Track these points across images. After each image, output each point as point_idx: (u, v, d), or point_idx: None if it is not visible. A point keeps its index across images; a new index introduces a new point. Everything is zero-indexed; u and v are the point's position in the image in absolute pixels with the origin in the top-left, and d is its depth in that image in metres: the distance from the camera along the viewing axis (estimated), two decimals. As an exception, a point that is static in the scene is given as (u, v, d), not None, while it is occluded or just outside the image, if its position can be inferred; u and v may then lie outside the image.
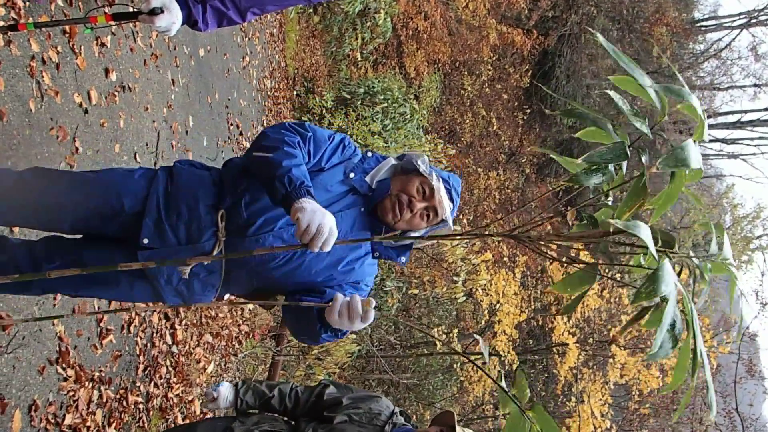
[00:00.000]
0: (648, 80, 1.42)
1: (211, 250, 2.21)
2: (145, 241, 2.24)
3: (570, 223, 1.66)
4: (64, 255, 2.35)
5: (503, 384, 1.61)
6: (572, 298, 1.71)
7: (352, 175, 2.35)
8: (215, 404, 3.07)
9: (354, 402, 2.91)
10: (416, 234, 2.40)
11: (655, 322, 1.38)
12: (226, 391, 3.06)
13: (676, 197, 1.44)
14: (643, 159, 1.40)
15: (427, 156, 2.44)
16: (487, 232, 1.63)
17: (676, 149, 1.36)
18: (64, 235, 2.47)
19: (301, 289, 2.37)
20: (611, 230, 1.49)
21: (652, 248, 1.35)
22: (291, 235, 2.25)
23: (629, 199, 1.41)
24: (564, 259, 1.66)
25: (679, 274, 1.46)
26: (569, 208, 1.67)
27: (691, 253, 1.49)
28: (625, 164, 1.52)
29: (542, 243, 1.59)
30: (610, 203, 1.62)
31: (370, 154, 2.45)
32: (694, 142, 1.41)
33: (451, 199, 2.40)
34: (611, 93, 1.42)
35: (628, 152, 1.43)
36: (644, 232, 1.36)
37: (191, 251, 2.23)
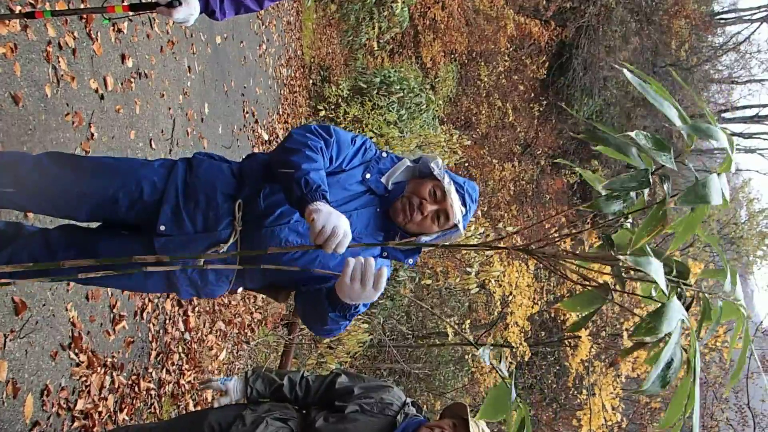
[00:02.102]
0: (676, 116, 1.37)
1: (227, 238, 2.22)
2: (162, 228, 2.25)
3: (586, 243, 1.63)
4: (80, 244, 2.36)
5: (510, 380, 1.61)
6: (582, 315, 1.69)
7: (368, 176, 2.36)
8: (227, 398, 3.07)
9: (365, 391, 2.90)
10: (428, 240, 2.38)
11: (656, 357, 1.35)
12: (235, 382, 3.06)
13: (696, 228, 1.40)
14: (665, 187, 1.36)
15: (441, 158, 2.42)
16: (502, 245, 1.60)
17: (698, 184, 1.32)
18: (80, 224, 2.47)
19: (314, 283, 2.38)
20: (626, 254, 1.46)
21: (663, 285, 1.33)
22: (306, 228, 2.25)
23: (647, 225, 1.38)
24: (576, 279, 1.62)
25: (689, 306, 1.43)
26: (587, 224, 1.65)
27: (704, 288, 1.46)
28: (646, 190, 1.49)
29: (557, 259, 1.56)
30: (629, 226, 1.59)
31: (385, 154, 2.45)
32: (719, 174, 1.36)
33: (465, 204, 2.38)
34: (632, 134, 1.36)
35: (651, 179, 1.40)
36: (655, 270, 1.33)
37: (207, 239, 2.24)
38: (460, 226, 2.36)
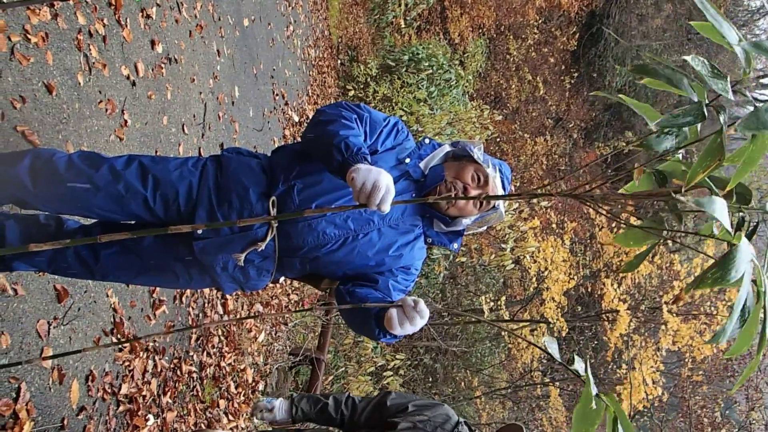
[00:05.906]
0: (735, 36, 1.28)
1: (264, 236, 2.20)
2: (199, 231, 2.24)
3: (635, 182, 1.53)
4: (122, 242, 2.36)
5: (557, 355, 1.54)
6: (636, 253, 1.62)
7: (407, 160, 2.32)
8: (271, 415, 3.08)
9: (419, 409, 2.88)
10: (469, 223, 2.38)
11: (717, 279, 1.26)
12: (280, 402, 3.08)
13: (758, 160, 1.29)
14: (722, 119, 1.26)
15: (475, 136, 2.38)
16: (546, 192, 1.54)
17: (760, 109, 1.21)
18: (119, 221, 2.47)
19: (352, 275, 2.36)
20: (683, 189, 1.35)
21: (727, 225, 1.25)
22: (343, 220, 2.23)
23: (703, 159, 1.27)
24: (627, 221, 1.56)
25: (755, 230, 1.36)
26: (625, 168, 1.56)
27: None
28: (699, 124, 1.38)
29: (605, 202, 1.50)
30: (680, 158, 1.51)
31: (427, 141, 2.43)
32: None
33: (503, 188, 2.37)
34: (689, 58, 1.27)
35: (706, 112, 1.30)
36: (718, 209, 1.25)
37: (244, 239, 2.23)
38: (501, 208, 2.38)
